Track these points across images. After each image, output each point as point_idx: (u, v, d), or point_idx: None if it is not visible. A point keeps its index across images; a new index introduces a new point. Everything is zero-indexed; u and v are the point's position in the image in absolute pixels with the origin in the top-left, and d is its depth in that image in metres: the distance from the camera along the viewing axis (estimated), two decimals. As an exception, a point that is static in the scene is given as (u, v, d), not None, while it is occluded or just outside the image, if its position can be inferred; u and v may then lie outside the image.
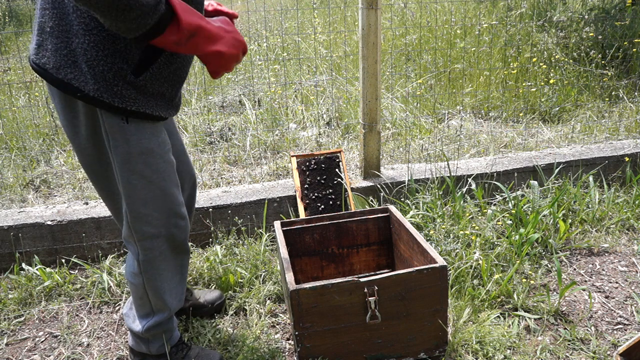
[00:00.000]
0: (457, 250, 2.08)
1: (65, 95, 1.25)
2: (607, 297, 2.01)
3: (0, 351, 1.87)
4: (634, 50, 4.04)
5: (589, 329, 1.82)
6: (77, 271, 2.30)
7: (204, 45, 1.18)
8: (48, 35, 1.20)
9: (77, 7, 1.17)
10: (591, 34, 4.24)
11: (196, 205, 2.36)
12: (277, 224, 1.97)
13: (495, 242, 2.20)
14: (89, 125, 1.29)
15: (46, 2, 1.21)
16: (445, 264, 1.61)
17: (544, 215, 2.35)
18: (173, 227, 1.46)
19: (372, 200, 2.48)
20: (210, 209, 2.37)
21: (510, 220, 2.31)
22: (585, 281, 2.12)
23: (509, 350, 1.72)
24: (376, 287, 1.57)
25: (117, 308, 2.06)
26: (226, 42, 1.21)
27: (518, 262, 2.06)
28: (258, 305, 1.97)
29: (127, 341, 1.88)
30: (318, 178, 2.34)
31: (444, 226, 2.25)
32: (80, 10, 1.17)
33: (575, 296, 2.01)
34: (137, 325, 1.58)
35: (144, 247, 1.45)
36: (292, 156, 2.39)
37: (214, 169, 3.06)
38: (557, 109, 3.68)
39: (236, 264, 2.13)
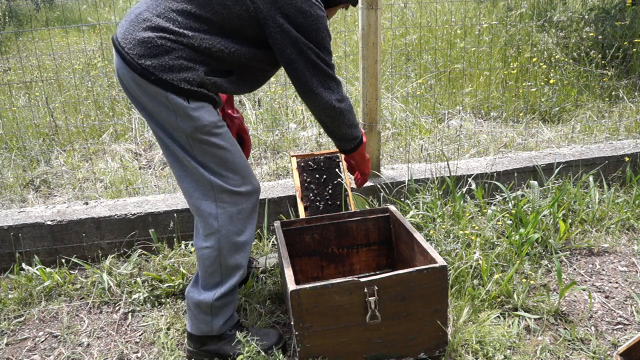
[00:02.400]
0: (457, 250, 2.08)
1: (137, 77, 1.48)
2: (607, 297, 2.01)
3: (0, 351, 1.87)
4: (634, 50, 4.04)
5: (589, 329, 1.82)
6: (77, 271, 2.30)
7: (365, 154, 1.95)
8: (141, 28, 1.48)
9: (174, 18, 1.49)
10: (591, 34, 4.24)
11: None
12: (277, 224, 1.97)
13: (495, 242, 2.20)
14: (150, 104, 1.54)
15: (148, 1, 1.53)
16: (445, 264, 1.61)
17: (544, 215, 2.35)
18: (249, 185, 1.65)
19: (372, 200, 2.48)
20: (210, 209, 2.37)
21: (510, 220, 2.31)
22: (585, 281, 2.12)
23: (509, 350, 1.72)
24: (376, 287, 1.57)
25: (117, 308, 2.06)
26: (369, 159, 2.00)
27: (518, 262, 2.06)
28: (258, 305, 1.98)
29: (127, 341, 1.89)
30: (318, 178, 2.34)
31: (444, 226, 2.25)
32: (176, 21, 1.48)
33: (575, 296, 2.01)
34: (208, 296, 1.65)
35: (224, 202, 1.60)
36: (292, 156, 2.39)
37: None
38: (557, 109, 3.68)
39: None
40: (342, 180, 2.34)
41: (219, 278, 1.66)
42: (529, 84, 3.88)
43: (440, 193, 2.47)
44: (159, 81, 1.47)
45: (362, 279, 1.57)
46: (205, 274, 1.66)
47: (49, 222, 2.29)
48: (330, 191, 2.33)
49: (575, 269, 2.19)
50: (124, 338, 1.90)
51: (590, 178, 2.60)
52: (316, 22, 1.57)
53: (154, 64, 1.46)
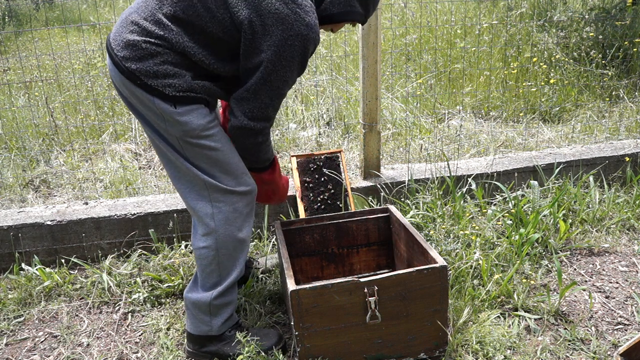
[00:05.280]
0: (457, 250, 2.08)
1: (125, 80, 1.48)
2: (607, 297, 2.01)
3: (0, 351, 1.87)
4: (635, 50, 4.04)
5: (590, 329, 1.82)
6: (76, 271, 2.30)
7: (279, 179, 1.85)
8: (128, 30, 1.47)
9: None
10: (591, 34, 4.23)
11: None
12: (277, 224, 1.97)
13: (496, 242, 2.20)
14: (140, 106, 1.54)
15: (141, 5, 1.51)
16: (445, 264, 1.61)
17: (544, 215, 2.35)
18: (243, 185, 1.64)
19: (372, 200, 2.47)
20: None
21: (511, 220, 2.31)
22: (586, 281, 2.11)
23: (509, 351, 1.71)
24: (376, 287, 1.57)
25: (117, 308, 2.06)
26: (283, 188, 1.89)
27: (518, 262, 2.06)
28: (258, 305, 1.97)
29: (127, 341, 1.88)
30: (318, 178, 2.33)
31: (444, 226, 2.25)
32: (162, 24, 1.46)
33: (575, 296, 2.01)
34: (206, 296, 1.65)
35: (219, 201, 1.60)
36: (292, 156, 2.39)
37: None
38: (558, 108, 3.68)
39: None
40: (342, 180, 2.34)
41: (217, 278, 1.66)
42: (529, 83, 3.88)
43: (440, 193, 2.47)
44: (145, 86, 1.46)
45: (362, 279, 1.56)
46: (203, 273, 1.66)
47: (48, 222, 2.29)
48: (330, 191, 2.32)
49: (575, 269, 2.19)
50: (124, 338, 1.90)
51: (591, 178, 2.59)
52: (293, 40, 1.43)
53: (139, 67, 1.45)
